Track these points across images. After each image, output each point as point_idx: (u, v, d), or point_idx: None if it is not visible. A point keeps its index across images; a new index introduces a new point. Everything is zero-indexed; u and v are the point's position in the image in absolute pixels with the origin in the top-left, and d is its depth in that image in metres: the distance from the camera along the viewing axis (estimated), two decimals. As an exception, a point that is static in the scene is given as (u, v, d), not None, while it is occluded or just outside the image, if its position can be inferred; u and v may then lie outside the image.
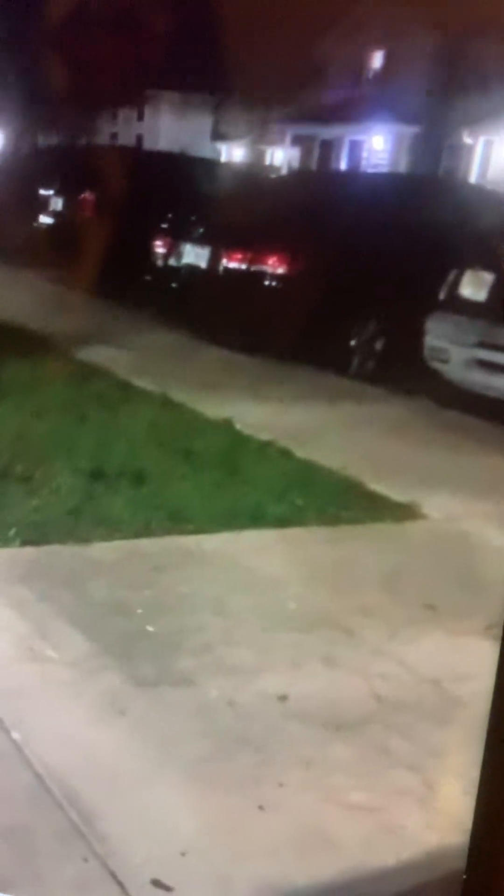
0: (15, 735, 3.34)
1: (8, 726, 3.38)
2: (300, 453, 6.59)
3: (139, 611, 4.33)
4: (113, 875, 2.82)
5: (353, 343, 9.98)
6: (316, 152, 34.17)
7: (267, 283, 10.74)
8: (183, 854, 2.94)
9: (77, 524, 5.07)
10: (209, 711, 3.68)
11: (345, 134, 34.27)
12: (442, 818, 3.24)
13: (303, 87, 33.80)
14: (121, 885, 2.84)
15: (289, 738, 3.55)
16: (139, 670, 3.88)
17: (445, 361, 8.47)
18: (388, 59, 34.57)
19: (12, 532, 4.88)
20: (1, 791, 3.09)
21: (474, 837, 1.94)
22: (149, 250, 12.52)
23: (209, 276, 11.54)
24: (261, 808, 3.17)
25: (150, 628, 4.21)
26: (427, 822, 3.22)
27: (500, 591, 4.73)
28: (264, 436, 6.91)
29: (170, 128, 37.65)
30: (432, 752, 3.59)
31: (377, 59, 35.76)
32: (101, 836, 2.96)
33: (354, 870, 2.95)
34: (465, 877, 1.98)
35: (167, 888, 2.81)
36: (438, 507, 5.89)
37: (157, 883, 2.82)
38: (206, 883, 2.85)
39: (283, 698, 3.79)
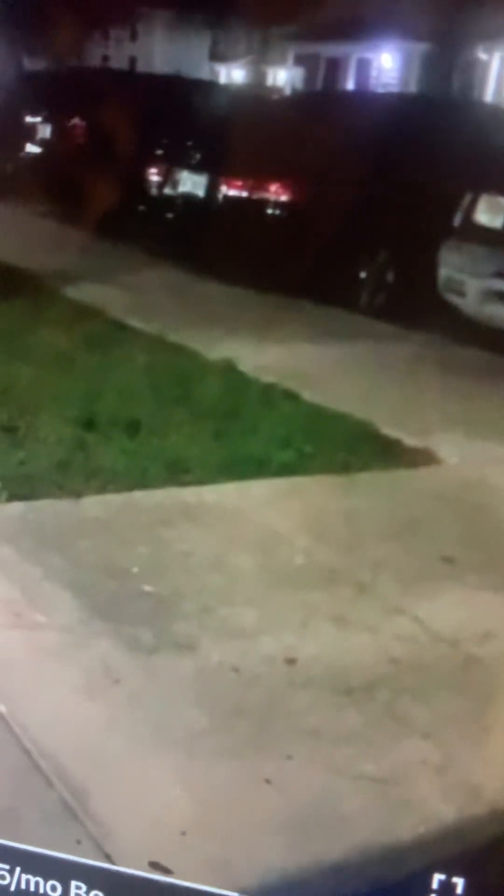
0: (0, 707, 3.29)
1: (-7, 698, 3.35)
2: (307, 396, 6.50)
3: (135, 570, 4.26)
4: (108, 858, 2.77)
5: (362, 275, 9.87)
6: (321, 72, 33.85)
7: (270, 212, 10.62)
8: (183, 834, 2.88)
9: (67, 477, 5.00)
10: (211, 678, 3.61)
11: (351, 52, 33.93)
12: (460, 790, 3.19)
13: (305, 2, 33.49)
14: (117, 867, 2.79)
15: (297, 706, 3.48)
16: (135, 635, 3.80)
17: (461, 294, 8.37)
18: (395, -30, 34.22)
19: (-3, 486, 4.82)
20: (-14, 768, 3.05)
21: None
22: (143, 179, 12.38)
23: (208, 206, 11.40)
24: (267, 781, 3.11)
25: (146, 589, 4.14)
26: (444, 794, 3.17)
27: (523, 542, 4.68)
28: (269, 378, 6.83)
29: (165, 49, 37.33)
30: (450, 718, 3.52)
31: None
32: (95, 816, 2.90)
33: (367, 847, 2.89)
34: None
35: (166, 870, 2.76)
36: (455, 451, 5.81)
37: (155, 865, 2.77)
38: (208, 864, 2.79)
39: (290, 662, 3.73)
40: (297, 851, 2.90)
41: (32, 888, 2.50)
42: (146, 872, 2.63)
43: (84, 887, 2.52)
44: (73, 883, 2.52)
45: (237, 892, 2.54)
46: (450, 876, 2.41)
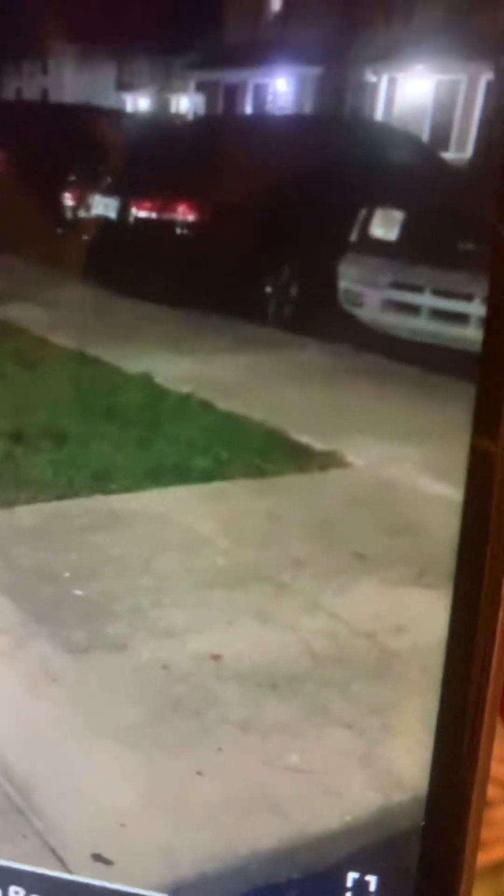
0: None
1: None
2: (222, 405, 6.46)
3: (66, 575, 4.22)
4: (53, 851, 2.75)
5: (268, 290, 9.83)
6: (220, 98, 33.87)
7: (178, 231, 10.53)
8: (122, 826, 2.86)
9: (-2, 488, 4.96)
10: (143, 675, 3.59)
11: (248, 78, 34.02)
12: (384, 777, 3.18)
13: (204, 33, 33.50)
14: (61, 860, 2.77)
15: (225, 700, 3.48)
16: (70, 636, 3.78)
17: (360, 305, 8.35)
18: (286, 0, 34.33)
19: None
20: None
21: (432, 792, 1.90)
22: (59, 204, 12.29)
23: (120, 227, 11.30)
24: (199, 773, 3.10)
25: (78, 592, 4.11)
26: (369, 781, 3.17)
27: (429, 536, 4.67)
28: (185, 389, 6.77)
29: (74, 80, 37.20)
30: (371, 709, 3.51)
31: (276, 0, 35.51)
32: (39, 811, 2.88)
33: (299, 835, 2.87)
34: (423, 825, 1.94)
35: (108, 862, 2.74)
36: (362, 453, 5.79)
37: (97, 857, 2.74)
38: (147, 854, 2.77)
39: (216, 658, 3.72)
40: (231, 840, 2.89)
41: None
42: (81, 878, 2.62)
43: (23, 892, 2.51)
44: (12, 888, 2.51)
45: (171, 883, 2.54)
46: (366, 866, 2.42)
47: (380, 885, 2.29)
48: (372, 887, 2.31)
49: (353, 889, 2.35)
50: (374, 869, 2.33)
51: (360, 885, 2.34)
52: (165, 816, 2.81)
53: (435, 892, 2.01)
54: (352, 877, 2.34)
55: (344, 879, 2.34)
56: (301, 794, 2.93)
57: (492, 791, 2.13)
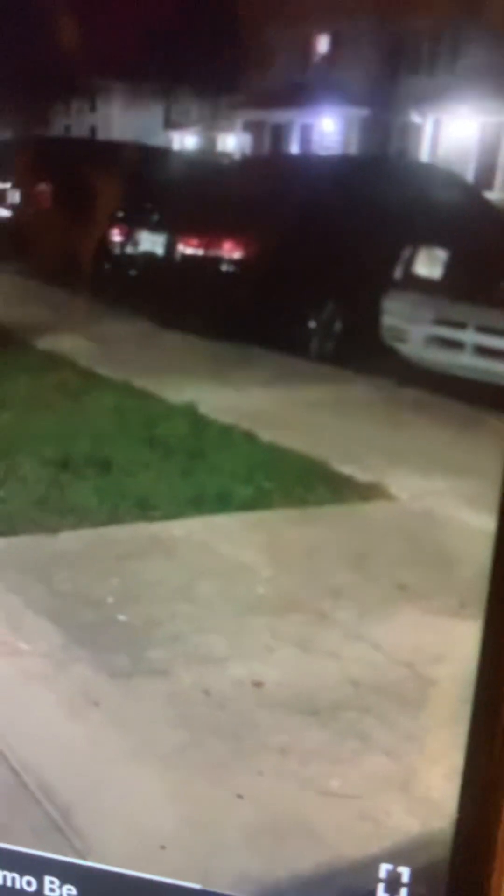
0: (-12, 731, 3.26)
1: (-20, 722, 3.31)
2: (265, 436, 6.49)
3: (109, 600, 4.24)
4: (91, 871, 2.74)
5: (312, 325, 9.86)
6: (267, 137, 34.00)
7: (224, 267, 10.60)
8: (162, 847, 2.86)
9: (44, 514, 4.98)
10: (184, 700, 3.58)
11: (294, 118, 34.13)
12: (422, 803, 3.17)
13: (251, 73, 33.64)
14: (100, 880, 2.76)
15: (265, 726, 3.45)
16: (112, 661, 3.77)
17: (404, 341, 8.37)
18: (334, 42, 34.46)
19: (-24, 525, 4.79)
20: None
21: (460, 822, 1.88)
22: (106, 239, 12.36)
23: (166, 263, 11.37)
24: (239, 797, 3.10)
25: (121, 617, 4.12)
26: (407, 807, 3.15)
27: (470, 569, 4.65)
28: (228, 419, 6.81)
29: (122, 118, 37.40)
30: (409, 736, 3.50)
31: (323, 43, 35.65)
32: (79, 831, 2.87)
33: (336, 859, 2.87)
34: (450, 859, 1.92)
35: (148, 883, 2.73)
36: (404, 486, 5.80)
37: (137, 878, 2.74)
38: (187, 876, 2.77)
39: (257, 685, 3.71)
40: (270, 863, 2.88)
41: (10, 884, 2.50)
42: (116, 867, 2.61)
43: (57, 882, 2.51)
44: (47, 878, 2.52)
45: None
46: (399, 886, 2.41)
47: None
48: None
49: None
50: (407, 890, 2.32)
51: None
52: (206, 838, 2.80)
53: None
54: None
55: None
56: (338, 819, 2.91)
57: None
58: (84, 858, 2.71)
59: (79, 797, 2.99)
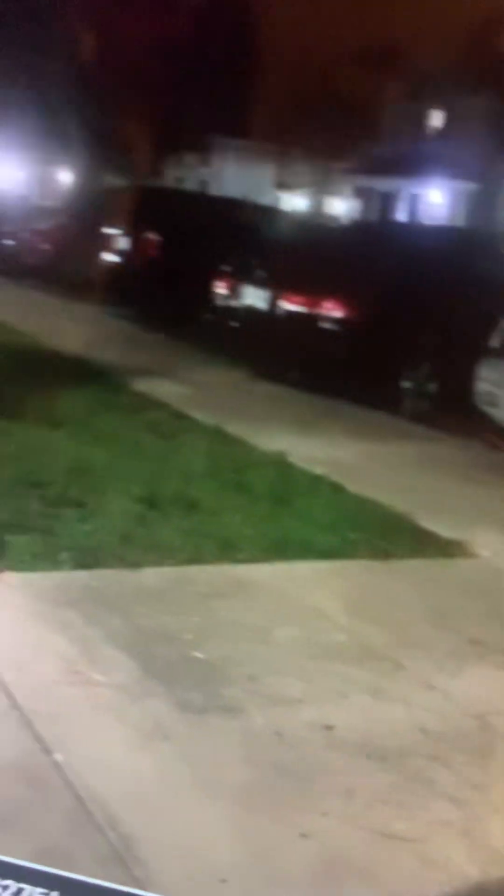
0: (57, 756, 3.24)
1: (51, 747, 3.28)
2: (352, 488, 6.49)
3: (187, 636, 4.23)
4: (149, 901, 2.71)
5: (406, 385, 9.93)
6: (375, 203, 34.37)
7: (324, 325, 10.74)
8: (223, 881, 2.83)
9: (128, 549, 4.99)
10: (255, 739, 3.57)
11: (403, 187, 34.49)
12: (484, 851, 3.11)
13: (364, 142, 34.05)
14: (157, 910, 2.73)
15: (333, 768, 3.44)
16: (185, 696, 3.77)
17: (497, 406, 8.41)
18: (447, 117, 34.86)
19: (64, 556, 4.80)
20: (42, 812, 2.99)
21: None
22: (211, 290, 12.55)
23: (268, 317, 11.55)
24: (303, 836, 3.06)
25: (197, 655, 4.11)
26: (469, 854, 3.10)
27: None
28: (317, 470, 6.84)
29: (233, 174, 37.91)
30: (475, 785, 3.46)
31: (437, 117, 36.06)
32: (141, 861, 2.85)
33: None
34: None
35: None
36: (487, 545, 5.78)
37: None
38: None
39: (328, 728, 3.68)
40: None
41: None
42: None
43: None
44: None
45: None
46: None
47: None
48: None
49: None
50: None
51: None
52: (267, 874, 2.76)
53: None
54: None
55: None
56: (399, 861, 2.87)
57: None
58: (144, 889, 2.68)
59: (142, 828, 2.96)
